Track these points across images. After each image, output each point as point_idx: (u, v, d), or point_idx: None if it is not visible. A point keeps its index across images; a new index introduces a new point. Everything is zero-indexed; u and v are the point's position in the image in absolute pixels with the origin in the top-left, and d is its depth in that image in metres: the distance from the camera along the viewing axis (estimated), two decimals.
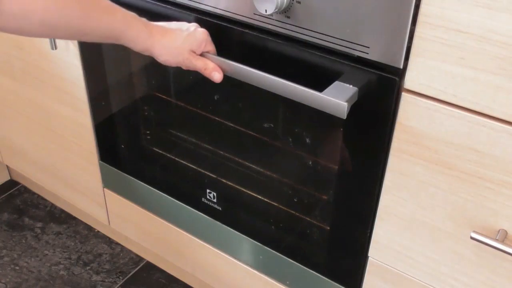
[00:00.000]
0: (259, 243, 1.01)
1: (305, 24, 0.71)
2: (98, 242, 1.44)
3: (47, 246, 1.43)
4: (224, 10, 0.78)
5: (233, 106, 0.98)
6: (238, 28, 0.78)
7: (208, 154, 1.12)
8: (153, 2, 0.87)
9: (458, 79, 0.61)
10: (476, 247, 0.69)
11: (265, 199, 1.01)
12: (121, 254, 1.41)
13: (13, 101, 1.29)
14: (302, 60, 0.75)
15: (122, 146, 1.16)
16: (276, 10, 0.69)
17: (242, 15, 0.76)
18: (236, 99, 0.97)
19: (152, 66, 1.08)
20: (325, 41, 0.70)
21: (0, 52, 1.21)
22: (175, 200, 1.12)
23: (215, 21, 0.80)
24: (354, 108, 0.69)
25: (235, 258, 1.05)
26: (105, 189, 1.23)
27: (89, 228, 1.48)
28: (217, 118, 1.00)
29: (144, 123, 1.14)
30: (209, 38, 0.78)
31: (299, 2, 0.69)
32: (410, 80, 0.65)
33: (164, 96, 1.07)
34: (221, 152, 1.07)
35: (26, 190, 1.62)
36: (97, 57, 1.02)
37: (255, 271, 1.03)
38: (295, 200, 1.02)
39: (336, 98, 0.66)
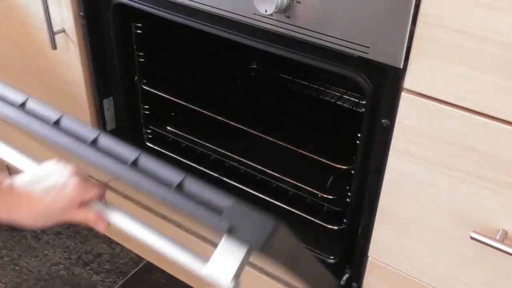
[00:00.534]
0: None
1: (305, 24, 0.71)
2: (98, 242, 1.44)
3: (47, 246, 1.43)
4: (224, 10, 0.78)
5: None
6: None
7: (211, 155, 1.12)
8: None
9: (458, 79, 0.61)
10: (476, 247, 0.69)
11: (267, 198, 1.02)
12: (121, 254, 1.41)
13: None
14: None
15: None
16: (276, 10, 0.69)
17: (242, 15, 0.76)
18: None
19: (154, 66, 1.08)
20: (325, 41, 0.70)
21: (0, 52, 1.20)
22: None
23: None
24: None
25: None
26: None
27: (89, 228, 1.48)
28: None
29: (146, 122, 1.14)
30: (86, 186, 0.64)
31: (299, 2, 0.69)
32: (410, 80, 0.64)
33: (167, 96, 1.07)
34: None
35: None
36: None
37: (255, 271, 1.03)
38: (294, 200, 1.02)
39: (219, 278, 0.54)
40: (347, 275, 0.91)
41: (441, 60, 0.61)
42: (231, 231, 0.51)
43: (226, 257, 0.55)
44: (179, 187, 0.56)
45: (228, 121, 1.02)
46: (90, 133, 0.62)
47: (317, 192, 0.98)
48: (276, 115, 1.26)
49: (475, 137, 0.63)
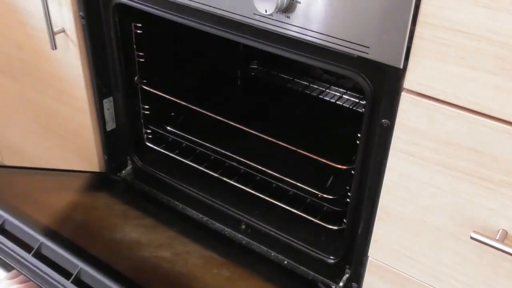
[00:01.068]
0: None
1: (305, 24, 0.71)
2: None
3: None
4: (224, 10, 0.78)
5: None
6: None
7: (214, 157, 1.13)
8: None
9: (458, 79, 0.61)
10: (476, 247, 0.69)
11: (267, 198, 1.02)
12: None
13: (13, 101, 1.29)
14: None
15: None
16: (276, 10, 0.69)
17: (242, 15, 0.76)
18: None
19: (154, 65, 1.08)
20: (325, 41, 0.70)
21: (0, 52, 1.20)
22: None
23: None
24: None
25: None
26: None
27: None
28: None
29: (146, 122, 1.14)
30: None
31: (299, 2, 0.69)
32: (410, 80, 0.64)
33: (167, 96, 1.08)
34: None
35: None
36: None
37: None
38: (294, 200, 1.02)
39: None
40: (347, 275, 0.91)
41: (441, 60, 0.61)
42: None
43: None
44: None
45: (228, 121, 1.02)
46: None
47: (317, 192, 0.98)
48: (276, 115, 1.26)
49: (475, 137, 0.63)
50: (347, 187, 0.90)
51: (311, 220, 0.97)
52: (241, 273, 0.99)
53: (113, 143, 1.15)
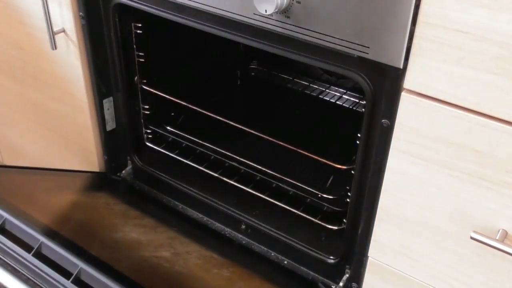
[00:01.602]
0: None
1: (305, 24, 0.71)
2: None
3: None
4: (224, 10, 0.78)
5: None
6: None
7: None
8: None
9: (458, 79, 0.61)
10: (476, 247, 0.69)
11: (267, 198, 1.02)
12: None
13: (13, 101, 1.29)
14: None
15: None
16: (276, 10, 0.69)
17: (242, 15, 0.76)
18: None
19: (154, 65, 1.08)
20: (325, 41, 0.70)
21: (0, 52, 1.20)
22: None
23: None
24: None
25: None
26: None
27: None
28: None
29: (146, 122, 1.14)
30: None
31: (299, 2, 0.69)
32: (410, 80, 0.64)
33: (167, 96, 1.08)
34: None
35: None
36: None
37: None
38: (294, 200, 1.02)
39: None
40: (347, 275, 0.91)
41: (441, 60, 0.61)
42: None
43: None
44: None
45: (228, 121, 1.02)
46: None
47: (317, 192, 0.98)
48: (276, 115, 1.26)
49: (475, 137, 0.63)
50: (347, 187, 0.90)
51: (311, 220, 0.97)
52: (241, 273, 0.99)
53: (113, 143, 1.15)
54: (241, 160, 1.05)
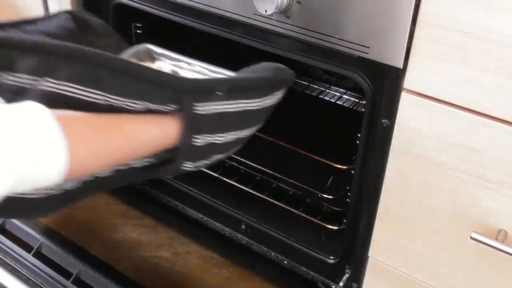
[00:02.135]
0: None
1: (305, 24, 0.71)
2: None
3: None
4: (224, 10, 0.78)
5: None
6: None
7: None
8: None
9: (458, 79, 0.61)
10: (476, 247, 0.69)
11: (267, 198, 1.02)
12: None
13: None
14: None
15: None
16: (276, 10, 0.69)
17: (242, 15, 0.76)
18: None
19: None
20: (325, 41, 0.70)
21: None
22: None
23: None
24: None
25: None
26: None
27: None
28: None
29: None
30: None
31: (299, 2, 0.69)
32: (410, 80, 0.64)
33: None
34: None
35: None
36: None
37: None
38: (294, 200, 1.02)
39: None
40: (347, 275, 0.91)
41: (441, 60, 0.61)
42: None
43: None
44: None
45: None
46: None
47: (317, 192, 0.98)
48: (275, 115, 1.25)
49: (475, 137, 0.63)
50: (347, 187, 0.90)
51: (311, 220, 0.97)
52: (241, 273, 1.00)
53: None
54: (241, 160, 1.05)
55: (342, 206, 0.96)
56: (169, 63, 0.74)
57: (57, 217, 1.01)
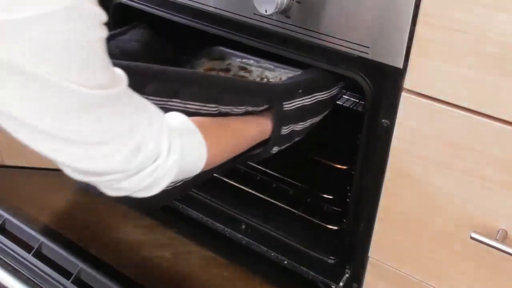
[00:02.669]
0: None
1: (305, 24, 0.71)
2: None
3: None
4: (224, 10, 0.78)
5: None
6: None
7: None
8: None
9: (458, 79, 0.61)
10: (476, 247, 0.69)
11: (267, 198, 1.02)
12: None
13: None
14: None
15: None
16: (276, 10, 0.69)
17: (242, 15, 0.76)
18: None
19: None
20: (325, 41, 0.70)
21: None
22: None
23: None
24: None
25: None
26: None
27: None
28: None
29: None
30: None
31: (299, 2, 0.69)
32: (410, 80, 0.65)
33: None
34: None
35: None
36: None
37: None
38: (294, 200, 1.02)
39: None
40: (347, 275, 0.91)
41: (441, 60, 0.61)
42: None
43: None
44: None
45: None
46: None
47: (317, 192, 0.98)
48: None
49: (475, 137, 0.63)
50: (347, 187, 0.90)
51: (311, 220, 0.97)
52: (241, 273, 0.99)
53: None
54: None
55: (342, 206, 0.96)
56: (238, 61, 0.90)
57: (57, 217, 1.01)
